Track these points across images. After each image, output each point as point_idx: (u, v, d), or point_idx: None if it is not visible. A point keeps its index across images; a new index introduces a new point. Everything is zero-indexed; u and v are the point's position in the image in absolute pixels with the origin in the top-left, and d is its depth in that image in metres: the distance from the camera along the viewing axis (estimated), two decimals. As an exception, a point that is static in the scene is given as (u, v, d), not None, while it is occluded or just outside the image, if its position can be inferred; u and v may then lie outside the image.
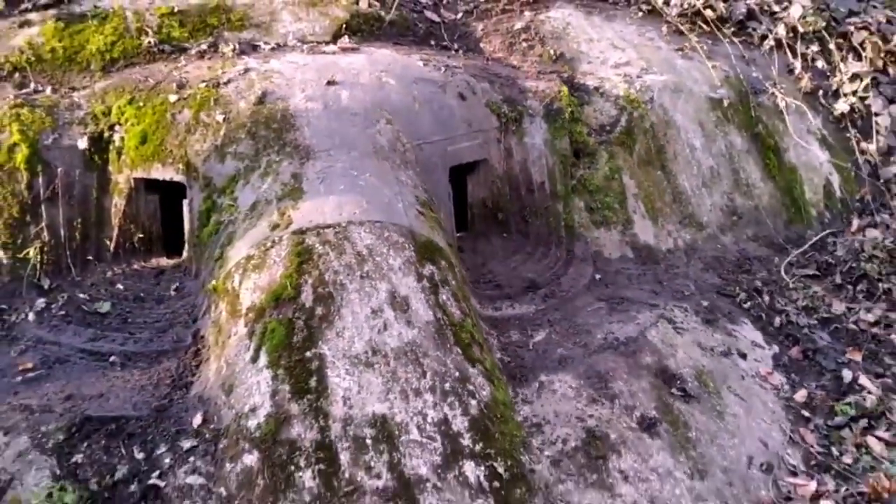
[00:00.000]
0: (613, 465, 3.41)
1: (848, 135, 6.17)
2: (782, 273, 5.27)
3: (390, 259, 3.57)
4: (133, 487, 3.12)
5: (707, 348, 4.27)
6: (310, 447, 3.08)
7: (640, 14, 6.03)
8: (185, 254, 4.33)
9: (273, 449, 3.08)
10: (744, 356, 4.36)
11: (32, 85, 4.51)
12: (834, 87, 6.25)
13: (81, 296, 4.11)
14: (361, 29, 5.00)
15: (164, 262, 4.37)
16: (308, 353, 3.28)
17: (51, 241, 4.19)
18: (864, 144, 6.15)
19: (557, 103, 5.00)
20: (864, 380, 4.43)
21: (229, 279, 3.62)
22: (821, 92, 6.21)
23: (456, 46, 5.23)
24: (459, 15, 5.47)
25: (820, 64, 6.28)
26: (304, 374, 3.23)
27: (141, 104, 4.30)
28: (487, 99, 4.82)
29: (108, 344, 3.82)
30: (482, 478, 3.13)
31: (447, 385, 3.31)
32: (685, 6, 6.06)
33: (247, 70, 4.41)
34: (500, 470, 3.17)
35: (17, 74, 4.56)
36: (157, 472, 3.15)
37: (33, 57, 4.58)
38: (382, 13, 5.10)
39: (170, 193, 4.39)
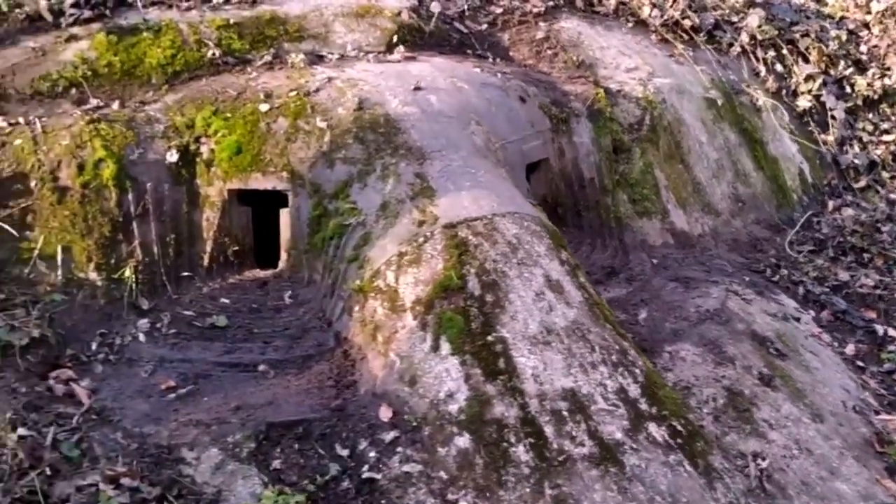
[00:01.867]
0: (757, 416, 3.80)
1: (810, 128, 7.02)
2: (788, 250, 5.93)
3: (536, 246, 3.81)
4: (347, 483, 3.15)
5: (771, 314, 4.78)
6: (516, 423, 3.25)
7: (630, 24, 6.60)
8: (282, 263, 4.33)
9: (483, 429, 3.23)
10: (798, 319, 4.91)
11: (93, 101, 4.37)
12: (793, 88, 7.09)
13: (186, 313, 4.03)
14: (406, 39, 5.19)
15: (260, 273, 4.35)
16: (489, 338, 3.45)
17: (144, 259, 4.08)
18: (823, 136, 7.02)
19: (597, 104, 5.43)
20: (893, 332, 5.12)
21: (379, 277, 3.71)
22: (784, 91, 7.03)
23: (489, 54, 5.53)
24: (484, 26, 5.79)
25: (778, 67, 7.12)
26: (491, 356, 3.40)
27: (228, 115, 4.29)
28: (539, 101, 5.16)
29: (245, 355, 3.78)
30: (667, 436, 3.42)
31: (613, 357, 3.58)
32: (666, 17, 6.70)
33: (330, 79, 4.50)
34: (679, 428, 3.47)
35: (73, 90, 4.39)
36: (366, 466, 3.20)
37: (89, 72, 4.43)
38: (422, 25, 5.32)
39: (262, 204, 4.39)
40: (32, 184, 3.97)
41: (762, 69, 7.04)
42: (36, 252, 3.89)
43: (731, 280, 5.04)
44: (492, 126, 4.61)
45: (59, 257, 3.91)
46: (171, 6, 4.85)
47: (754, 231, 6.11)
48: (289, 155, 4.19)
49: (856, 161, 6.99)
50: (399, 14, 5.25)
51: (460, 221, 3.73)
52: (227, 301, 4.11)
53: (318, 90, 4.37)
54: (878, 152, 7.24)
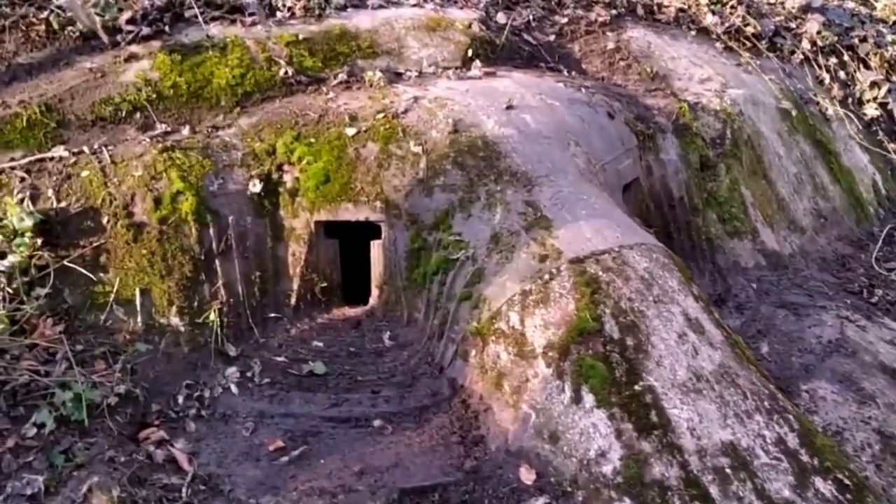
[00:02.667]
0: (914, 462, 3.52)
1: (878, 138, 6.79)
2: (876, 268, 5.67)
3: (669, 281, 3.51)
4: (499, 559, 2.82)
5: (888, 341, 4.51)
6: (678, 485, 2.94)
7: (693, 32, 6.33)
8: (373, 300, 4.00)
9: (644, 492, 2.91)
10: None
11: (160, 126, 4.01)
12: (858, 95, 6.87)
13: (278, 359, 3.68)
14: (478, 53, 4.88)
15: (350, 311, 4.01)
16: (637, 387, 3.13)
17: (229, 300, 3.73)
18: (891, 145, 6.80)
19: (682, 119, 5.14)
20: None
21: (500, 319, 3.39)
22: (849, 100, 6.80)
23: (561, 67, 5.24)
24: (552, 37, 5.49)
25: (841, 74, 6.89)
26: (641, 409, 3.09)
27: (312, 140, 3.95)
28: (625, 117, 4.86)
29: (354, 408, 3.44)
30: (835, 491, 3.12)
31: (766, 403, 3.28)
32: (728, 25, 6.44)
33: (416, 99, 4.17)
34: (846, 481, 3.17)
35: (137, 114, 4.04)
36: (518, 538, 2.87)
37: (153, 94, 4.07)
38: (493, 37, 5.01)
39: (349, 237, 4.05)
40: (104, 220, 3.61)
41: (826, 77, 6.81)
42: (112, 296, 3.52)
43: (838, 305, 4.76)
44: (588, 146, 4.31)
45: (138, 301, 3.55)
46: (233, 21, 4.50)
47: (838, 248, 5.85)
48: (382, 183, 3.85)
49: (928, 172, 6.77)
50: (470, 26, 4.94)
51: (587, 256, 3.41)
52: (320, 344, 3.76)
53: (406, 111, 4.04)
54: (948, 162, 7.03)
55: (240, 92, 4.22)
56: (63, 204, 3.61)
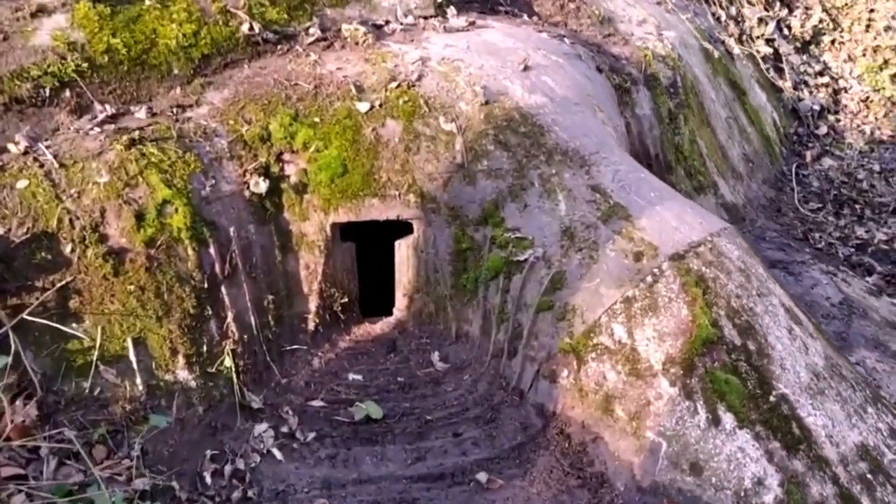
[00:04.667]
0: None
1: (770, 76, 6.98)
2: (802, 210, 5.87)
3: (758, 268, 3.25)
4: None
5: (870, 294, 4.64)
6: (836, 503, 2.76)
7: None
8: (400, 311, 3.39)
9: (810, 519, 2.69)
10: (881, 292, 4.83)
11: (101, 107, 3.03)
12: (748, 32, 6.98)
13: (314, 403, 3.00)
14: (443, -3, 4.24)
15: (373, 327, 3.37)
16: (772, 398, 2.87)
17: (241, 336, 2.96)
18: (780, 83, 7.02)
19: (650, 69, 4.86)
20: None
21: (600, 332, 2.96)
22: (743, 37, 6.90)
23: (515, 9, 4.73)
24: (500, -23, 4.92)
25: (732, 10, 6.96)
26: (782, 422, 2.84)
27: (316, 120, 3.17)
28: (605, 70, 4.49)
29: (442, 459, 2.87)
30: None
31: (868, 392, 3.18)
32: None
33: (423, 61, 3.49)
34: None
35: (66, 92, 3.01)
36: None
37: (83, 63, 3.05)
38: (455, -22, 4.37)
39: (366, 237, 3.37)
40: (66, 248, 2.65)
41: (721, 13, 6.84)
42: (95, 353, 2.63)
43: (812, 259, 4.83)
44: (604, 108, 3.89)
45: (132, 355, 2.69)
46: (160, -43, 3.47)
47: (766, 192, 5.97)
48: (413, 170, 3.19)
49: (814, 107, 7.08)
50: (434, -35, 4.24)
51: (686, 250, 3.05)
52: (358, 377, 3.11)
53: (420, 78, 3.36)
54: (821, 96, 7.41)
55: (195, 56, 3.28)
56: (0, 230, 2.59)
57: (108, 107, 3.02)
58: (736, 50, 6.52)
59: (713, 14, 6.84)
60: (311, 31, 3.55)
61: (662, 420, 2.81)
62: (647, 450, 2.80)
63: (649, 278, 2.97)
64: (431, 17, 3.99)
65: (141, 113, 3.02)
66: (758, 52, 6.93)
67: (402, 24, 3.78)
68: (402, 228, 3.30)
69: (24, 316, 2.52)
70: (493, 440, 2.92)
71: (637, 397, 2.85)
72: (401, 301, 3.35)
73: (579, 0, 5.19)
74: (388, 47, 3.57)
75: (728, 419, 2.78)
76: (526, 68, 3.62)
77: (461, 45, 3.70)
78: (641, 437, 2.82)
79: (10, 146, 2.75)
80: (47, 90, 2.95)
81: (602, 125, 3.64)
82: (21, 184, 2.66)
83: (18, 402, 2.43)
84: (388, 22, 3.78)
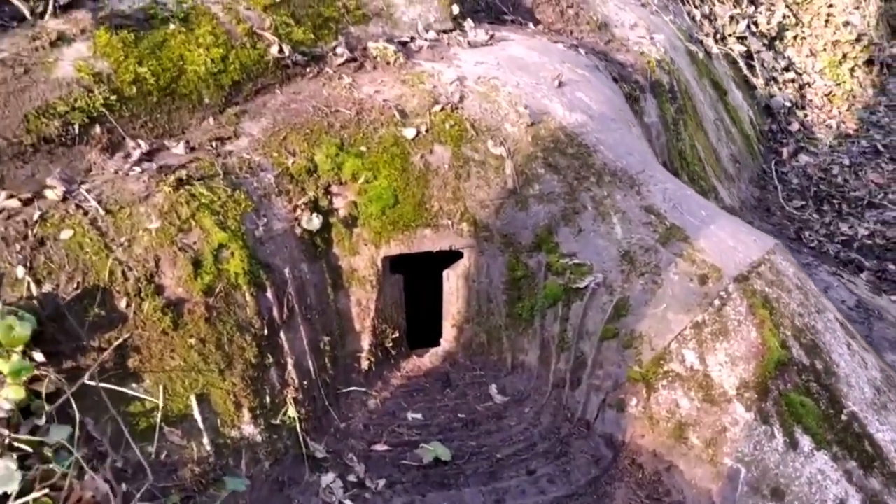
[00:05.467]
0: None
1: (743, 73, 7.06)
2: (787, 208, 5.96)
3: (810, 283, 3.25)
4: None
5: (875, 293, 4.73)
6: (914, 519, 2.78)
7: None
8: (448, 343, 3.28)
9: (894, 539, 2.70)
10: (885, 291, 4.94)
11: (133, 142, 2.82)
12: (721, 31, 7.04)
13: (378, 448, 2.87)
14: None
15: (422, 361, 3.25)
16: (843, 417, 2.88)
17: (301, 383, 2.80)
18: (753, 80, 7.12)
19: (654, 76, 4.83)
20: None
21: (671, 359, 2.90)
22: (717, 35, 6.96)
23: (518, 17, 4.65)
24: (501, -15, 4.81)
25: (706, 9, 7.01)
26: (855, 441, 2.84)
27: (363, 149, 3.02)
28: (617, 79, 4.45)
29: (519, 501, 2.78)
30: None
31: (919, 401, 3.22)
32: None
33: (460, 80, 3.37)
34: None
35: (97, 127, 2.79)
36: None
37: (111, 95, 2.83)
38: (463, -12, 4.25)
39: (415, 269, 3.24)
40: (121, 303, 2.45)
41: (696, 13, 6.88)
42: (158, 415, 2.44)
43: (815, 260, 4.89)
44: (634, 122, 3.84)
45: (196, 413, 2.50)
46: (176, -25, 3.25)
47: (753, 191, 6.05)
48: (464, 198, 3.07)
49: (785, 104, 7.20)
50: (444, -25, 4.10)
51: (749, 271, 3.02)
52: (418, 416, 2.99)
53: (462, 99, 3.24)
54: (789, 92, 7.55)
55: (225, 82, 3.08)
56: (48, 287, 2.38)
57: (141, 142, 2.80)
58: (714, 49, 6.57)
59: (688, 13, 6.87)
60: (339, 50, 3.38)
61: (740, 446, 2.77)
62: (725, 477, 2.76)
63: (717, 302, 2.93)
64: (450, 31, 3.85)
65: (179, 148, 2.82)
66: (732, 50, 7.00)
67: (426, 40, 3.64)
68: (449, 256, 3.17)
69: (85, 381, 2.30)
70: (567, 475, 2.83)
71: (712, 424, 2.81)
72: (449, 332, 3.23)
73: (577, 6, 5.12)
74: (420, 66, 3.42)
75: (805, 441, 2.76)
76: (560, 84, 3.53)
77: (491, 62, 3.58)
78: (718, 464, 2.77)
79: (48, 192, 2.52)
80: (76, 127, 2.72)
81: (640, 141, 3.59)
82: (66, 234, 2.44)
83: (90, 478, 2.22)
84: (413, 38, 3.63)
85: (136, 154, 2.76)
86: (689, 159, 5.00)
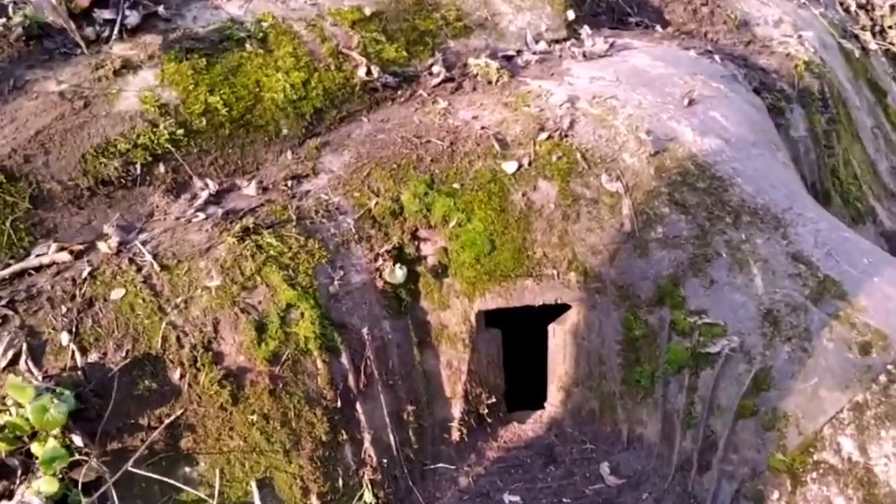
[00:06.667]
0: None
1: (903, 69, 6.20)
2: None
3: None
4: None
5: None
6: None
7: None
8: (554, 407, 2.83)
9: None
10: None
11: (201, 182, 2.50)
12: (879, 22, 6.20)
13: (468, 537, 2.45)
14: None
15: (523, 428, 2.81)
16: None
17: (381, 461, 2.41)
18: (918, 78, 6.24)
19: (802, 82, 4.17)
20: None
21: (822, 447, 2.35)
22: (876, 28, 6.12)
23: (643, 18, 4.10)
24: (625, -17, 4.27)
25: (862, -1, 6.18)
26: None
27: (455, 186, 2.60)
28: (755, 88, 3.83)
29: None
30: None
31: None
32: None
33: (572, 101, 2.89)
34: None
35: (161, 167, 2.49)
36: None
37: (178, 129, 2.52)
38: (580, -11, 3.75)
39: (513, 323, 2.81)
40: (174, 374, 2.13)
41: (851, 3, 6.06)
42: (215, 503, 2.11)
43: None
44: (779, 143, 3.25)
45: (257, 501, 2.16)
46: (256, -10, 2.93)
47: (918, 211, 5.25)
48: (573, 243, 2.61)
49: (952, 105, 6.28)
50: (557, -23, 3.62)
51: (922, 340, 2.41)
52: (515, 499, 2.56)
53: (571, 124, 2.77)
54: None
55: (306, 111, 2.74)
56: (94, 356, 2.09)
57: (210, 182, 2.50)
58: (872, 45, 5.76)
59: (841, 4, 6.07)
60: (435, 69, 2.98)
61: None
62: None
63: (883, 377, 2.36)
64: (564, 39, 3.38)
65: (250, 188, 2.49)
66: (893, 44, 6.15)
67: (535, 52, 3.19)
68: (553, 310, 2.72)
69: (129, 468, 2.00)
70: (698, 587, 2.34)
71: (880, 536, 2.24)
72: (555, 395, 2.79)
73: (712, 3, 4.51)
74: (526, 85, 2.98)
75: None
76: (691, 102, 3.00)
77: (609, 77, 3.09)
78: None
79: (101, 244, 2.24)
80: (138, 166, 2.44)
81: (786, 169, 3.02)
82: (116, 294, 2.16)
83: (129, 581, 1.92)
84: (519, 52, 3.19)
85: (203, 196, 2.46)
86: (843, 177, 4.32)
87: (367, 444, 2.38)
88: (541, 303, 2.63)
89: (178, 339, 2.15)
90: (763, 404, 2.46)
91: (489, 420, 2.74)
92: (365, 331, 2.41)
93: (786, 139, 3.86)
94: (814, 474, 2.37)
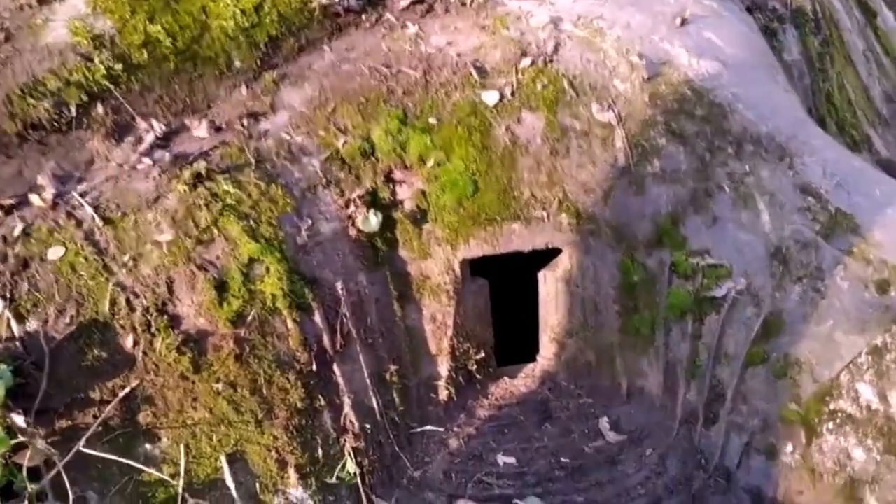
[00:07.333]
0: None
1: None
2: (952, 158, 5.09)
3: None
4: None
5: None
6: None
7: None
8: (547, 360, 2.72)
9: None
10: None
11: (145, 124, 2.29)
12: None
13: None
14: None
15: (514, 383, 2.70)
16: None
17: (363, 426, 2.28)
18: (903, -1, 6.13)
19: (794, 2, 4.03)
20: None
21: (839, 394, 2.27)
22: (862, -56, 5.98)
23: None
24: None
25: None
26: None
27: (431, 121, 2.43)
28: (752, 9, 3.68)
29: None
30: None
31: None
32: None
33: (555, 23, 2.71)
34: None
35: (98, 107, 2.27)
36: None
37: (116, 63, 2.29)
38: None
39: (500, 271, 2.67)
40: (127, 342, 1.95)
41: (836, -84, 5.90)
42: (180, 482, 1.96)
43: None
44: (777, 67, 3.12)
45: (229, 478, 2.02)
46: None
47: (909, 138, 5.19)
48: (563, 182, 2.45)
49: (941, 26, 6.20)
50: None
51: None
52: (510, 460, 2.45)
53: (556, 48, 2.59)
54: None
55: (260, 39, 2.52)
56: (33, 324, 1.90)
57: (155, 123, 2.29)
58: (858, -38, 5.62)
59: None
60: (402, -10, 2.76)
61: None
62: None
63: (900, 320, 2.27)
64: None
65: (201, 129, 2.29)
66: (875, -39, 6.01)
67: (510, -29, 2.97)
68: (544, 255, 2.58)
69: (82, 448, 1.83)
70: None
71: (898, 482, 2.18)
72: (547, 347, 2.67)
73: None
74: (503, 6, 2.78)
75: None
76: (683, 22, 2.84)
77: (590, -2, 2.90)
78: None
79: (34, 197, 2.03)
80: (73, 107, 2.21)
81: (787, 94, 2.88)
82: (54, 253, 1.96)
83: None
84: (492, -29, 2.96)
85: (148, 139, 2.25)
86: (838, 104, 4.22)
87: (347, 409, 2.24)
88: (530, 248, 2.48)
89: (128, 301, 1.97)
90: (774, 351, 2.37)
91: (478, 377, 2.62)
92: (339, 285, 2.25)
93: (779, 60, 3.72)
94: (830, 424, 2.29)
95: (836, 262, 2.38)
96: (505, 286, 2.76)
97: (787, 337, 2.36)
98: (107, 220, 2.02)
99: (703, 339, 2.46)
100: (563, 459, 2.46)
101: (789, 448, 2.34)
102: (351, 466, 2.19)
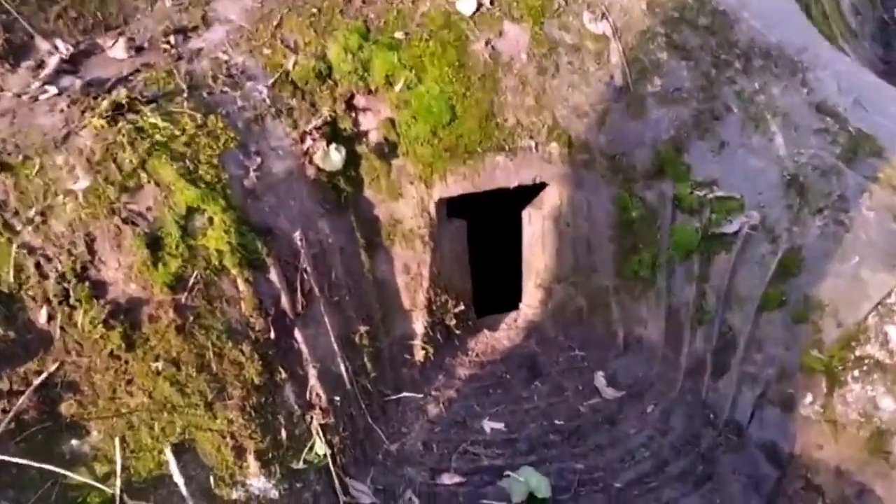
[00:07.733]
0: None
1: None
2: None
3: None
4: None
5: None
6: None
7: None
8: (531, 308, 2.47)
9: None
10: None
11: (48, 45, 1.90)
12: None
13: (446, 481, 2.11)
14: None
15: (496, 336, 2.45)
16: None
17: (331, 399, 1.99)
18: None
19: None
20: None
21: (865, 339, 2.08)
22: None
23: None
24: None
25: None
26: None
27: (398, 36, 2.08)
28: None
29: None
30: None
31: None
32: None
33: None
34: None
35: (-16, 24, 1.86)
36: None
37: (2, -32, 1.88)
38: None
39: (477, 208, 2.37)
40: (39, 316, 1.61)
41: None
42: (118, 482, 1.65)
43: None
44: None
45: (175, 472, 1.71)
46: None
47: (876, 50, 5.04)
48: (552, 105, 2.15)
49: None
50: None
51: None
52: (498, 426, 2.22)
53: (541, -49, 2.26)
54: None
55: (182, -61, 2.11)
56: (-84, 301, 1.54)
57: (59, 43, 1.89)
58: None
59: None
60: None
61: None
62: None
63: (930, 255, 2.07)
64: None
65: (118, 49, 1.91)
66: None
67: None
68: (529, 189, 2.30)
69: (-9, 452, 1.50)
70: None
71: (935, 432, 2.01)
72: (533, 294, 2.41)
73: None
74: None
75: None
76: (675, -79, 2.51)
77: None
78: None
79: None
80: (-49, 24, 1.79)
81: (791, 1, 2.61)
82: (-62, 210, 1.58)
83: None
84: None
85: (52, 62, 1.86)
86: (815, 15, 3.96)
87: (312, 380, 1.94)
88: (516, 184, 2.18)
89: (38, 266, 1.61)
90: (792, 292, 2.17)
91: (457, 332, 2.35)
92: (297, 235, 1.92)
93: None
94: (856, 372, 2.10)
95: (860, 189, 2.16)
96: (481, 225, 2.46)
97: (806, 276, 2.14)
98: (4, 166, 1.64)
99: (710, 281, 2.23)
100: (556, 422, 2.23)
101: (808, 399, 2.15)
102: (320, 447, 1.91)
